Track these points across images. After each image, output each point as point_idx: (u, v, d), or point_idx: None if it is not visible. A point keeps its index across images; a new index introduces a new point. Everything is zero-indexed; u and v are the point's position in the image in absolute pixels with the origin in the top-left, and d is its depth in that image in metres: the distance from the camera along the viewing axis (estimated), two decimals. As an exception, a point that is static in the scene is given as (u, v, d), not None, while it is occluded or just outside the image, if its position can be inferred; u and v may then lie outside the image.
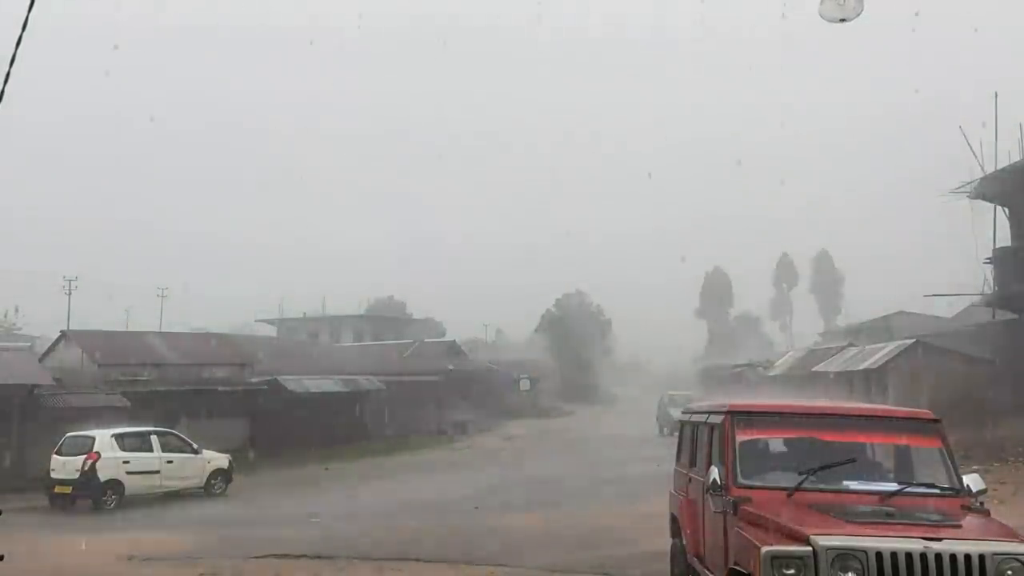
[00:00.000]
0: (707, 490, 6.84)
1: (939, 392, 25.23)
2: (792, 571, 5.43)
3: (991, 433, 22.45)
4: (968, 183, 27.97)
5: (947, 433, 6.97)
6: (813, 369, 39.04)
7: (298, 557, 12.37)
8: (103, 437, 19.29)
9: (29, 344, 38.47)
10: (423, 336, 57.99)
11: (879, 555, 5.34)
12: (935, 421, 7.05)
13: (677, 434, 10.01)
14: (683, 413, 9.75)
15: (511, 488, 20.87)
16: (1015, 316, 28.30)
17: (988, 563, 5.31)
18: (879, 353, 32.68)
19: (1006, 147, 27.42)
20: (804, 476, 6.45)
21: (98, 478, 18.65)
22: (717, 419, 7.27)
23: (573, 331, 75.09)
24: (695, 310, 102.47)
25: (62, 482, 18.82)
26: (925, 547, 5.36)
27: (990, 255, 28.34)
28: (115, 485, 18.89)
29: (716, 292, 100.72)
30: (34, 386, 23.46)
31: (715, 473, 6.69)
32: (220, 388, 29.96)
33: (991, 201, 28.43)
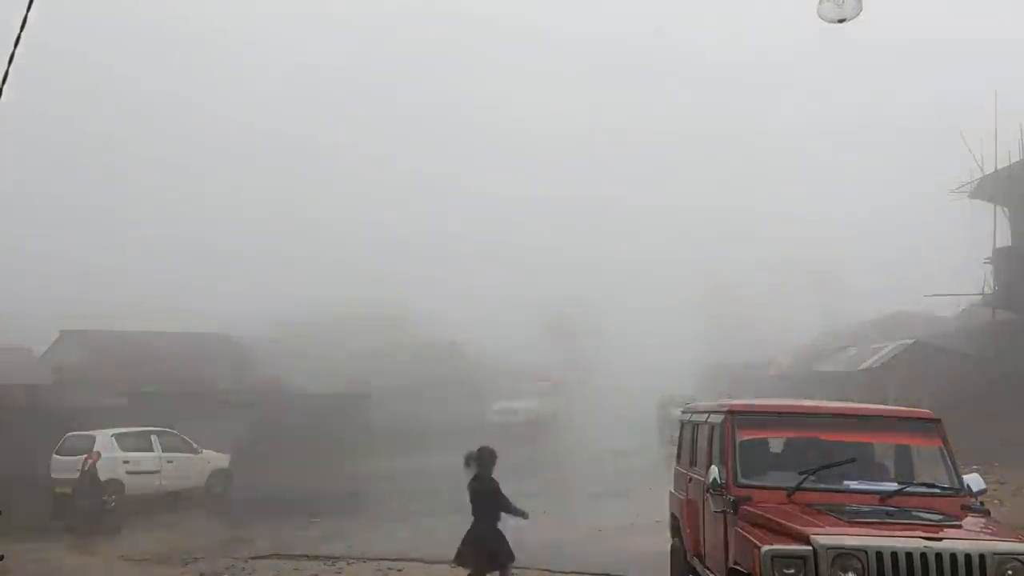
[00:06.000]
0: (707, 490, 6.84)
1: (939, 392, 25.22)
2: (792, 571, 5.42)
3: (991, 433, 22.43)
4: (968, 183, 27.98)
5: (947, 433, 6.97)
6: (813, 369, 39.01)
7: (298, 557, 12.37)
8: (103, 437, 19.25)
9: (29, 344, 38.42)
10: (423, 336, 57.81)
11: (879, 554, 5.34)
12: (935, 421, 7.04)
13: (676, 435, 9.99)
14: (683, 413, 9.73)
15: (510, 489, 20.82)
16: (1015, 316, 28.29)
17: (988, 562, 5.31)
18: (879, 353, 32.64)
19: (1006, 147, 27.45)
20: (804, 476, 6.45)
21: (98, 478, 18.60)
22: (717, 419, 7.27)
23: (573, 331, 75.05)
24: (695, 310, 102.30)
25: (62, 482, 18.77)
26: (925, 546, 5.35)
27: (990, 255, 28.33)
28: (115, 485, 18.84)
29: (716, 292, 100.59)
30: (34, 386, 23.45)
31: (715, 473, 6.69)
32: (220, 388, 29.96)
33: (991, 201, 28.43)
